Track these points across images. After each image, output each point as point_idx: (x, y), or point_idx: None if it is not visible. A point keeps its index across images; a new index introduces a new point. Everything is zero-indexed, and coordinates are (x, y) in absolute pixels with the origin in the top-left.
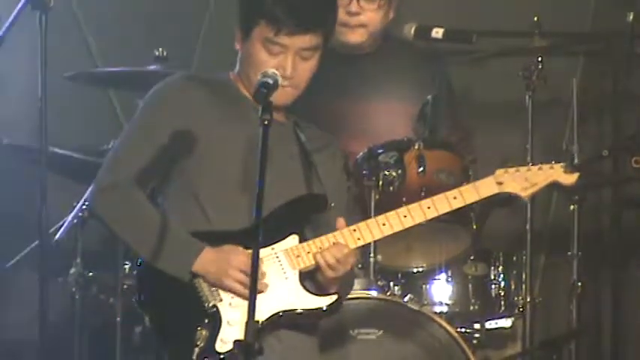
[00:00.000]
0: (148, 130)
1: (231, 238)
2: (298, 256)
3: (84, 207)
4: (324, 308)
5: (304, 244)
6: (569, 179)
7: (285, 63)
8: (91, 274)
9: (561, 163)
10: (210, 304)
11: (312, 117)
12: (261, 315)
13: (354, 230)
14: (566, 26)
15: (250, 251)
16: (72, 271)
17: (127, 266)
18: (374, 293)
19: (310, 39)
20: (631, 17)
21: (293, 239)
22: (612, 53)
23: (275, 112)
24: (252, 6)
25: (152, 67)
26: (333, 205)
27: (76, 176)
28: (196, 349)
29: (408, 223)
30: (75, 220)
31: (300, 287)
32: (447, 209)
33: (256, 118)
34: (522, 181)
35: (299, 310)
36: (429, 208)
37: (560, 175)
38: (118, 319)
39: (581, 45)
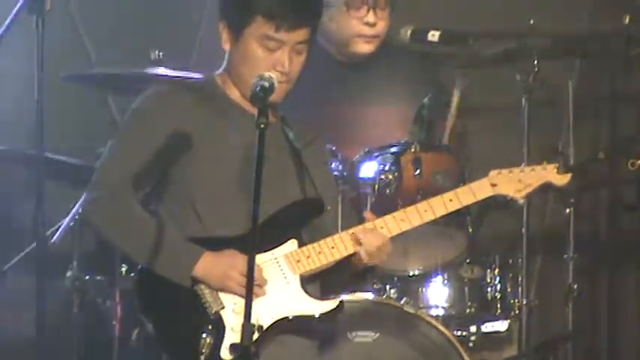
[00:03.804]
0: (140, 135)
1: (229, 245)
2: (298, 261)
3: (80, 210)
4: (325, 313)
5: (303, 248)
6: (562, 180)
7: (282, 59)
8: (87, 277)
9: (554, 164)
10: (213, 311)
11: (310, 123)
12: (264, 321)
13: (352, 234)
14: (562, 28)
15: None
16: (69, 274)
17: (123, 269)
18: (370, 296)
19: (305, 32)
20: (627, 19)
21: (292, 244)
22: (608, 55)
23: None
24: (246, 3)
25: (149, 69)
26: (329, 208)
27: (72, 179)
28: (202, 358)
29: (406, 226)
30: (71, 223)
31: (302, 292)
32: (444, 212)
33: (246, 123)
34: (516, 182)
35: (302, 315)
36: (426, 210)
37: (553, 176)
38: (115, 322)
39: (578, 47)
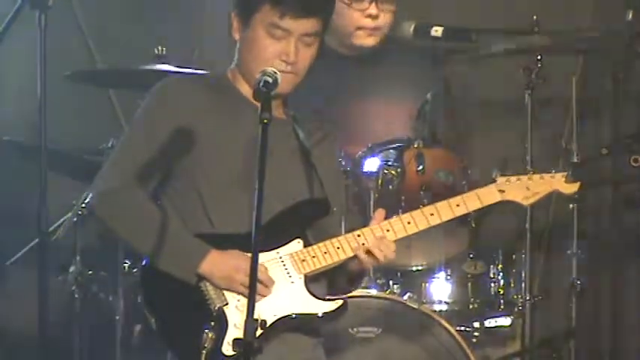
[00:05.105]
0: (149, 130)
1: (235, 241)
2: (303, 261)
3: (83, 205)
4: (328, 312)
5: (309, 248)
6: (570, 189)
7: (288, 48)
8: (90, 272)
9: (562, 173)
10: (217, 307)
11: (320, 120)
12: (267, 318)
13: (359, 235)
14: (565, 24)
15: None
16: (71, 269)
17: (126, 264)
18: (373, 291)
19: (313, 23)
20: (630, 15)
21: (298, 243)
22: (612, 51)
23: (274, 107)
24: None
25: (152, 66)
26: (335, 209)
27: (75, 174)
28: (203, 352)
29: (412, 229)
30: (74, 219)
31: (306, 291)
32: (450, 216)
33: (255, 118)
34: (524, 189)
35: (305, 314)
36: (432, 215)
37: (561, 185)
38: (118, 317)
39: (581, 43)
